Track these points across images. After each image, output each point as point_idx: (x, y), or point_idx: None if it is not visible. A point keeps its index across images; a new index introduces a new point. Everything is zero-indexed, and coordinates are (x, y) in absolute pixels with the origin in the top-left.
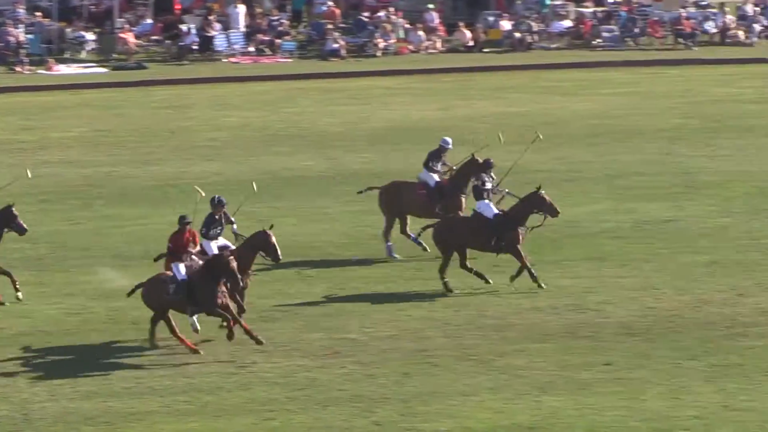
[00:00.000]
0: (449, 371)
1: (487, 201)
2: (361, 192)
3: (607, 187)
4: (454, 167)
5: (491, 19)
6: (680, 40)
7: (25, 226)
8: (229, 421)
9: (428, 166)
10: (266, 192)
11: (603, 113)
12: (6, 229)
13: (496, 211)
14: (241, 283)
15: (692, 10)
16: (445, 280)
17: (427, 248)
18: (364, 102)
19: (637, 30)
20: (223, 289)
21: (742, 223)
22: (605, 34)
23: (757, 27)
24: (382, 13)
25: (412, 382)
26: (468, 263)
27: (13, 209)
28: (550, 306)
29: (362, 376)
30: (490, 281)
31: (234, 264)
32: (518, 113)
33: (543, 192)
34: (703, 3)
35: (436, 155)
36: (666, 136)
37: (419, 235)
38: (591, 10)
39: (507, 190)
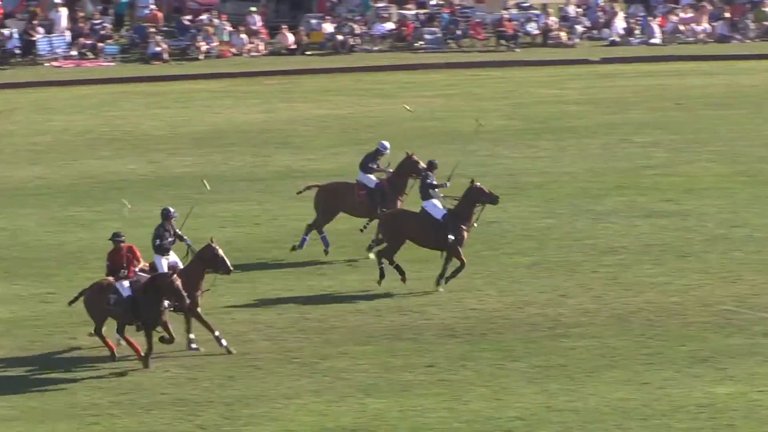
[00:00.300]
0: (272, 374)
1: (434, 201)
2: (300, 192)
3: None
4: (389, 169)
5: (313, 21)
6: (502, 41)
7: None
8: (53, 426)
9: (365, 167)
10: (89, 196)
11: (425, 115)
12: None
13: (444, 211)
14: (188, 301)
15: (514, 11)
16: (396, 264)
17: (328, 252)
18: (187, 105)
19: (459, 32)
20: (166, 306)
21: (565, 223)
22: (427, 37)
23: (579, 28)
24: (204, 16)
25: (236, 386)
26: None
27: None
28: (373, 308)
29: (186, 379)
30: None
31: (178, 283)
32: (341, 116)
33: (478, 183)
34: (525, 4)
35: (372, 158)
36: (489, 137)
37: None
38: (413, 12)
39: (442, 196)
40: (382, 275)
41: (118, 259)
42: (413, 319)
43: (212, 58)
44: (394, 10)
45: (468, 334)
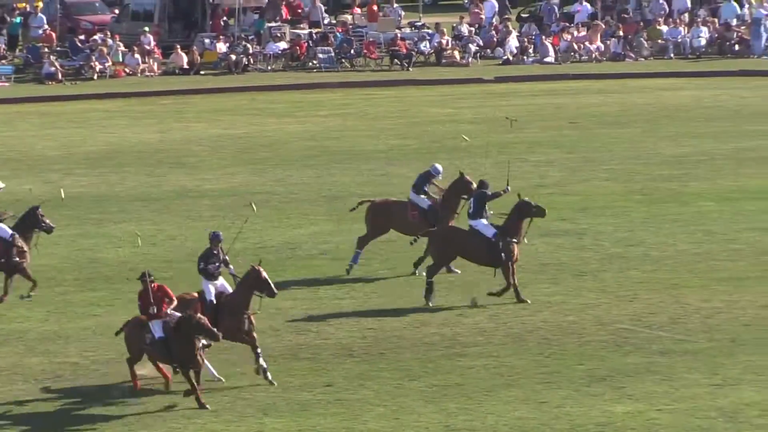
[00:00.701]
0: (171, 394)
1: (483, 221)
2: (353, 209)
3: (325, 209)
4: (442, 189)
5: (207, 41)
6: (396, 61)
7: (52, 224)
8: None
9: (418, 189)
10: None
11: (319, 134)
12: (36, 230)
13: (494, 230)
14: (221, 336)
15: (407, 30)
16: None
17: (349, 271)
18: (81, 125)
19: (352, 51)
20: (200, 346)
21: None
22: (321, 56)
23: (473, 47)
24: (98, 37)
25: (134, 405)
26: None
27: (39, 210)
28: (271, 328)
29: (83, 400)
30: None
31: (204, 320)
32: (235, 135)
33: (526, 198)
34: (419, 24)
35: (424, 180)
36: (383, 156)
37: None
38: (306, 31)
39: (491, 212)
40: (429, 291)
41: (148, 298)
42: (311, 339)
43: (106, 78)
44: (287, 29)
45: (365, 353)
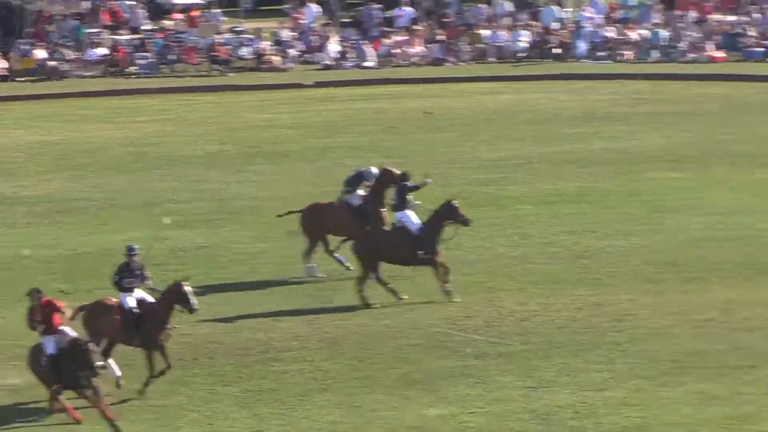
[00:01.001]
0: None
1: (408, 212)
2: (280, 215)
3: (143, 215)
4: (369, 185)
5: (25, 47)
6: (215, 66)
7: None
8: None
9: (348, 188)
10: None
11: (138, 141)
12: None
13: (419, 224)
14: (100, 374)
15: (228, 35)
16: (363, 293)
17: (350, 267)
18: None
19: (172, 57)
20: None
21: (278, 248)
22: (140, 62)
23: (293, 52)
24: None
25: None
26: (383, 277)
27: None
28: None
29: None
30: (404, 297)
31: (92, 352)
32: (53, 142)
33: (455, 202)
34: (239, 29)
35: (357, 181)
36: (201, 162)
37: (337, 248)
38: (126, 37)
39: (418, 202)
40: (392, 291)
41: (38, 314)
42: (121, 347)
43: None
44: (106, 35)
45: (179, 359)
